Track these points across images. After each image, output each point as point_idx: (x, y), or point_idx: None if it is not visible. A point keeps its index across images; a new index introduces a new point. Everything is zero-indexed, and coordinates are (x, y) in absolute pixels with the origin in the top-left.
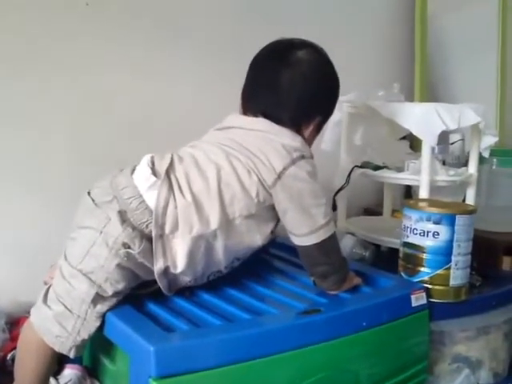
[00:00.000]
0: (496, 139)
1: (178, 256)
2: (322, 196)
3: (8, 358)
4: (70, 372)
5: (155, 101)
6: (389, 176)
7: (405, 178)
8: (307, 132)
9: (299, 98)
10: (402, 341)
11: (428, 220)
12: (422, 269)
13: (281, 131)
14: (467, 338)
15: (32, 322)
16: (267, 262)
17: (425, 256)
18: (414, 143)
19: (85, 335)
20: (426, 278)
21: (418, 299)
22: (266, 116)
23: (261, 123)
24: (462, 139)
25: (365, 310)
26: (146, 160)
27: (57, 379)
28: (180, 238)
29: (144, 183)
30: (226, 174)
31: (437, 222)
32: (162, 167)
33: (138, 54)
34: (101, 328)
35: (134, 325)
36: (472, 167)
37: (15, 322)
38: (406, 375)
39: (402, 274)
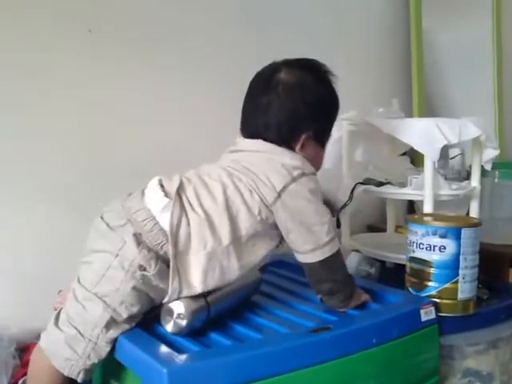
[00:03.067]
0: (497, 152)
1: (192, 275)
2: (324, 213)
3: None
4: None
5: (154, 121)
6: (392, 192)
7: (408, 193)
8: (298, 149)
9: (277, 118)
10: (413, 356)
11: (434, 234)
12: (430, 283)
13: (282, 152)
14: (477, 351)
15: (42, 346)
16: (275, 281)
17: (432, 270)
18: (414, 159)
19: (95, 359)
20: (433, 292)
21: (427, 314)
22: (258, 138)
23: (261, 144)
24: (462, 154)
25: (375, 327)
26: (154, 183)
27: None
28: (194, 255)
29: (157, 205)
30: (230, 192)
31: (443, 236)
32: (171, 188)
33: (136, 72)
34: (111, 351)
35: (145, 347)
36: (475, 180)
37: (25, 349)
38: None
39: (410, 289)
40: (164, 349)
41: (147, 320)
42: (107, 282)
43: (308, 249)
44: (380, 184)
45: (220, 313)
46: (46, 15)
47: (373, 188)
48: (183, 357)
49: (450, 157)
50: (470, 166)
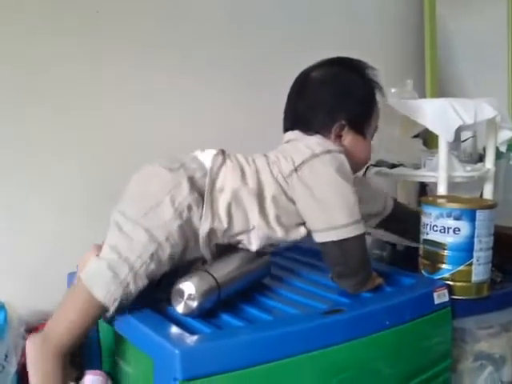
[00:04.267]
0: None
1: (220, 209)
2: (348, 194)
3: None
4: (91, 378)
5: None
6: (406, 173)
7: (422, 174)
8: (333, 139)
9: (307, 113)
10: (426, 339)
11: (448, 216)
12: (443, 266)
13: (309, 137)
14: (489, 334)
15: (81, 276)
16: (286, 265)
17: (446, 253)
18: (427, 141)
19: (132, 289)
20: (447, 274)
21: (440, 296)
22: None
23: (290, 133)
24: (474, 136)
25: (388, 309)
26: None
27: None
28: (225, 193)
29: (207, 157)
30: (260, 164)
31: (457, 218)
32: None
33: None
34: (120, 332)
35: (156, 328)
36: (489, 162)
37: (34, 329)
38: (431, 374)
39: (423, 271)
40: (176, 330)
41: (157, 301)
42: (155, 216)
43: (321, 227)
44: (392, 166)
45: (231, 294)
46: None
47: (385, 170)
48: (195, 338)
49: (462, 139)
50: (483, 149)
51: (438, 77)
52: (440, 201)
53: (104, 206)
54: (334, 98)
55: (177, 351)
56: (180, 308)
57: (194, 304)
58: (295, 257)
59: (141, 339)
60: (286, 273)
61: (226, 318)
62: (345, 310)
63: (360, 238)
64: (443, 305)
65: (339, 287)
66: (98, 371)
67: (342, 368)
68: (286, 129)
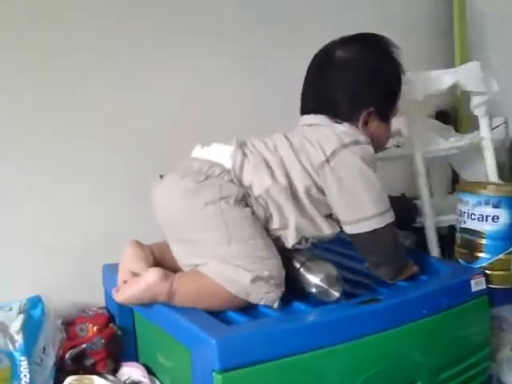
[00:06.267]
0: None
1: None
2: (376, 184)
3: (66, 357)
4: (128, 370)
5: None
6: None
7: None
8: (360, 126)
9: (334, 97)
10: (463, 327)
11: (487, 204)
12: (482, 254)
13: (338, 125)
14: None
15: (230, 290)
16: (323, 255)
17: (484, 241)
18: (457, 125)
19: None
20: (485, 264)
21: (477, 284)
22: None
23: (318, 117)
24: (505, 122)
25: (425, 298)
26: (214, 145)
27: (116, 377)
28: (254, 189)
29: (225, 157)
30: (282, 150)
31: (496, 206)
32: (231, 143)
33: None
34: (156, 324)
35: (193, 319)
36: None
37: (70, 323)
38: (470, 362)
39: (460, 260)
40: (212, 320)
41: None
42: (233, 226)
43: (353, 219)
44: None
45: None
46: None
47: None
48: (232, 328)
49: (493, 127)
50: None
51: (467, 60)
52: (478, 188)
53: (139, 200)
54: (362, 84)
55: (214, 341)
56: (331, 295)
57: (340, 288)
58: (329, 247)
59: (177, 330)
60: None
61: (260, 307)
62: (381, 299)
63: (391, 226)
64: (480, 292)
65: (375, 274)
66: (134, 363)
67: (379, 357)
68: (307, 110)
